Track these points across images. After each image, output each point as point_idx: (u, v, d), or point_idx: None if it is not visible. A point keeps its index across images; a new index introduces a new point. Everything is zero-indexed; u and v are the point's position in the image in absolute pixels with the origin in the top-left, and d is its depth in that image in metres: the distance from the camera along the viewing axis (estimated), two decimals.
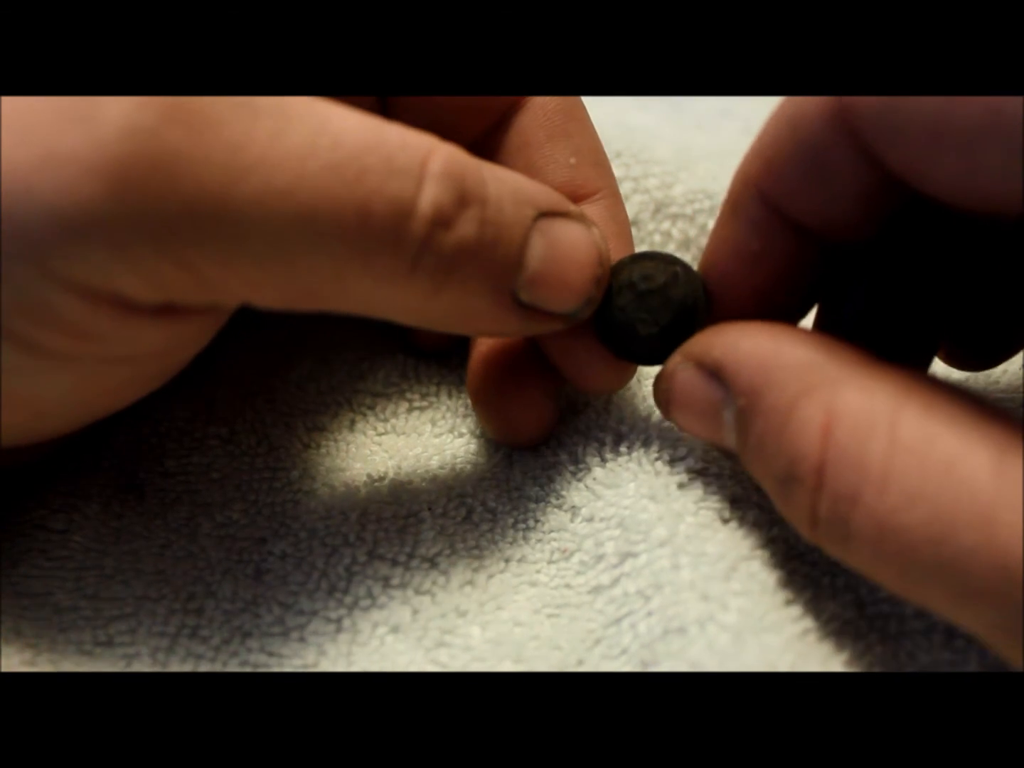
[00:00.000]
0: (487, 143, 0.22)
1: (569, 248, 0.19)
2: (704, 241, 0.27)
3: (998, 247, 0.20)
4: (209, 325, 0.18)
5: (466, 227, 0.17)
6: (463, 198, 0.17)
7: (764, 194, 0.18)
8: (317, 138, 0.16)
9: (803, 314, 0.21)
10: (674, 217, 0.28)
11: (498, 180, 0.18)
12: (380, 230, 0.16)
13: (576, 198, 0.21)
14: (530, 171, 0.21)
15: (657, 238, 0.27)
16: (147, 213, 0.15)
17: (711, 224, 0.27)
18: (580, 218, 0.19)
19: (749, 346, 0.18)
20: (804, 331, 0.18)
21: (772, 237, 0.19)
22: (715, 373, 0.18)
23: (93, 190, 0.14)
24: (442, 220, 0.17)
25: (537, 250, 0.18)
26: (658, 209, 0.28)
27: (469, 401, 0.25)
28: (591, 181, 0.21)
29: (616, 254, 0.21)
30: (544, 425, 0.23)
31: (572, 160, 0.21)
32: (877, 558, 0.15)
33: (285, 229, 0.15)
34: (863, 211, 0.18)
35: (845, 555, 0.16)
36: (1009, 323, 0.22)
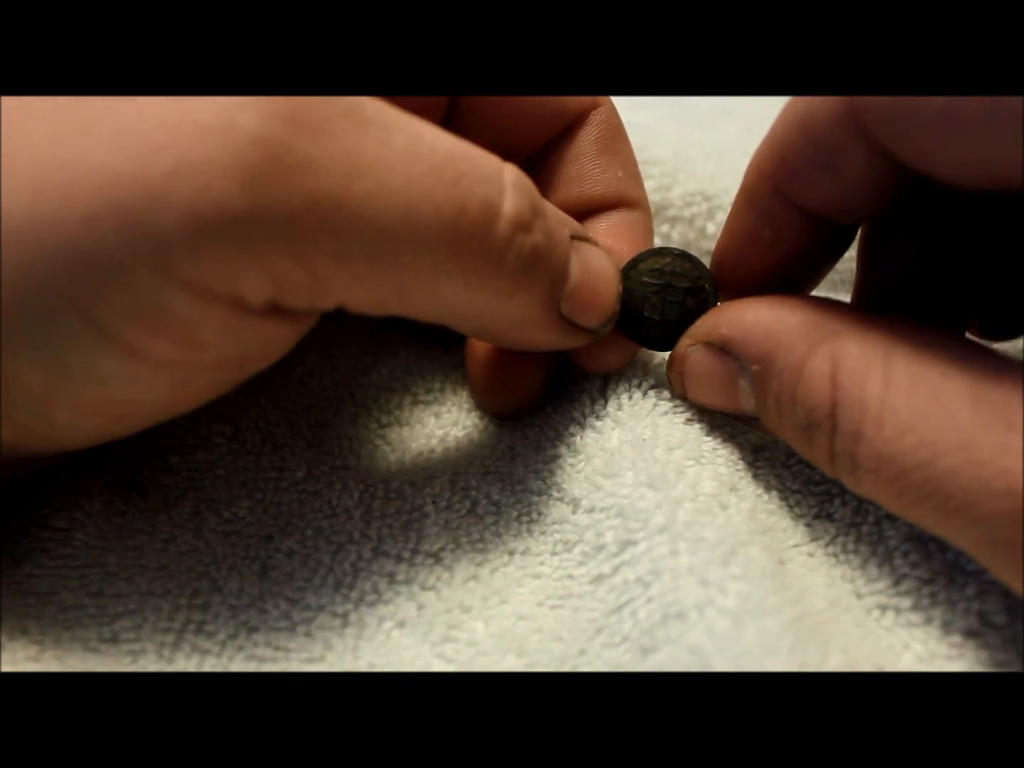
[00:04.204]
0: (546, 151, 0.24)
1: (597, 267, 0.21)
2: (703, 244, 0.28)
3: (1013, 223, 0.21)
4: (295, 332, 0.19)
5: (537, 234, 0.19)
6: (534, 208, 0.19)
7: (779, 187, 0.20)
8: (417, 145, 0.17)
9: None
10: (673, 220, 0.28)
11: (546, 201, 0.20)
12: (472, 228, 0.18)
13: (622, 204, 0.24)
14: (582, 177, 0.24)
15: (657, 241, 0.28)
16: (275, 209, 0.16)
17: (709, 227, 0.28)
18: (598, 244, 0.22)
19: (752, 318, 0.20)
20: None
21: (785, 225, 0.20)
22: (724, 348, 0.20)
23: (228, 189, 0.16)
24: (522, 224, 0.19)
25: (575, 266, 0.20)
26: (657, 212, 0.28)
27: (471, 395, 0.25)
28: (634, 192, 0.24)
29: None
30: (534, 397, 0.25)
31: (620, 173, 0.24)
32: (878, 484, 0.18)
33: (393, 225, 0.17)
34: (873, 196, 0.19)
35: (855, 485, 0.18)
36: None
